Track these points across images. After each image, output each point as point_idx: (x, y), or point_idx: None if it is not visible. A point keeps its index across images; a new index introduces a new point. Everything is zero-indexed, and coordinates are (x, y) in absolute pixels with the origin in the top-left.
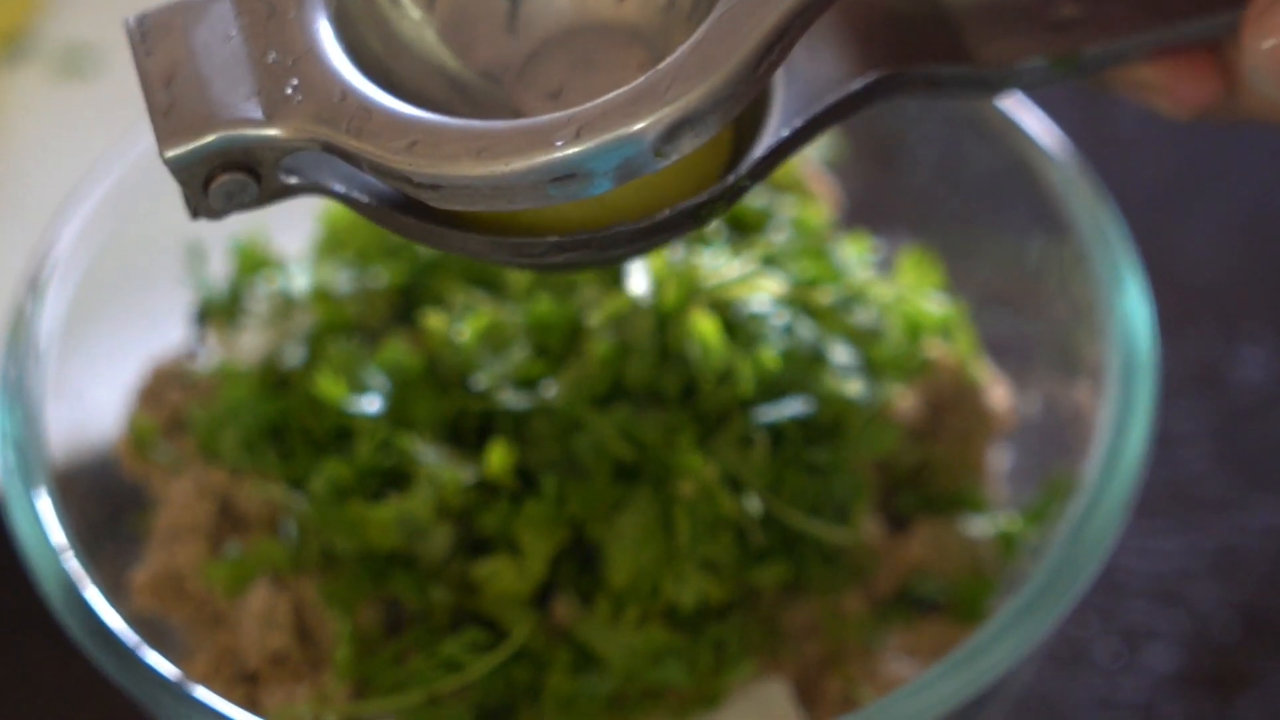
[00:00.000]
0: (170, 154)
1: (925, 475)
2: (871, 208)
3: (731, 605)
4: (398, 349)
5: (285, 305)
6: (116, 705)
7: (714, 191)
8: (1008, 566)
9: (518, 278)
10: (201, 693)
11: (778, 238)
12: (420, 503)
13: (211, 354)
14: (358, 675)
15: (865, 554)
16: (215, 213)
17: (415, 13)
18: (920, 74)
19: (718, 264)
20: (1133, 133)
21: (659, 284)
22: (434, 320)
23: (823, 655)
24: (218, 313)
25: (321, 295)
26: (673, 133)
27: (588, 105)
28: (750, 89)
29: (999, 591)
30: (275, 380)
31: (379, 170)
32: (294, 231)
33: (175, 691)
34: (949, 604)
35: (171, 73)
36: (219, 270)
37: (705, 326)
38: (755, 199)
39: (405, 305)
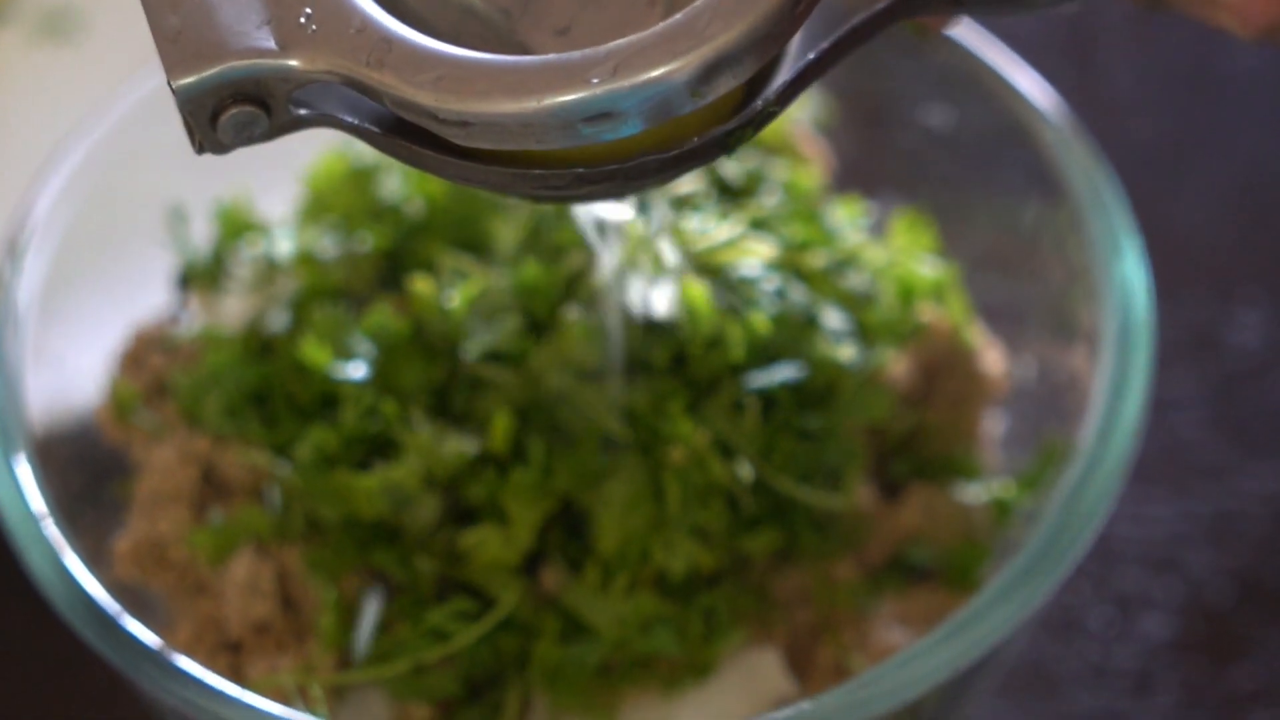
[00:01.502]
0: (180, 82)
1: (918, 441)
2: (863, 170)
3: (722, 573)
4: (384, 314)
5: (269, 269)
6: (98, 673)
7: (743, 117)
8: (1001, 533)
9: (505, 242)
10: (184, 662)
11: (768, 201)
12: (407, 472)
13: (194, 319)
14: (342, 644)
15: (857, 521)
16: (222, 146)
17: None
18: None
19: (707, 228)
20: (1126, 94)
21: (645, 251)
22: (422, 285)
23: (814, 623)
24: (200, 277)
25: (306, 259)
26: (710, 72)
27: (623, 42)
28: (789, 28)
29: (992, 559)
30: (259, 346)
31: (401, 105)
32: (278, 195)
33: (157, 661)
34: (942, 571)
35: None
36: (201, 233)
37: (693, 292)
38: (746, 161)
39: (391, 270)
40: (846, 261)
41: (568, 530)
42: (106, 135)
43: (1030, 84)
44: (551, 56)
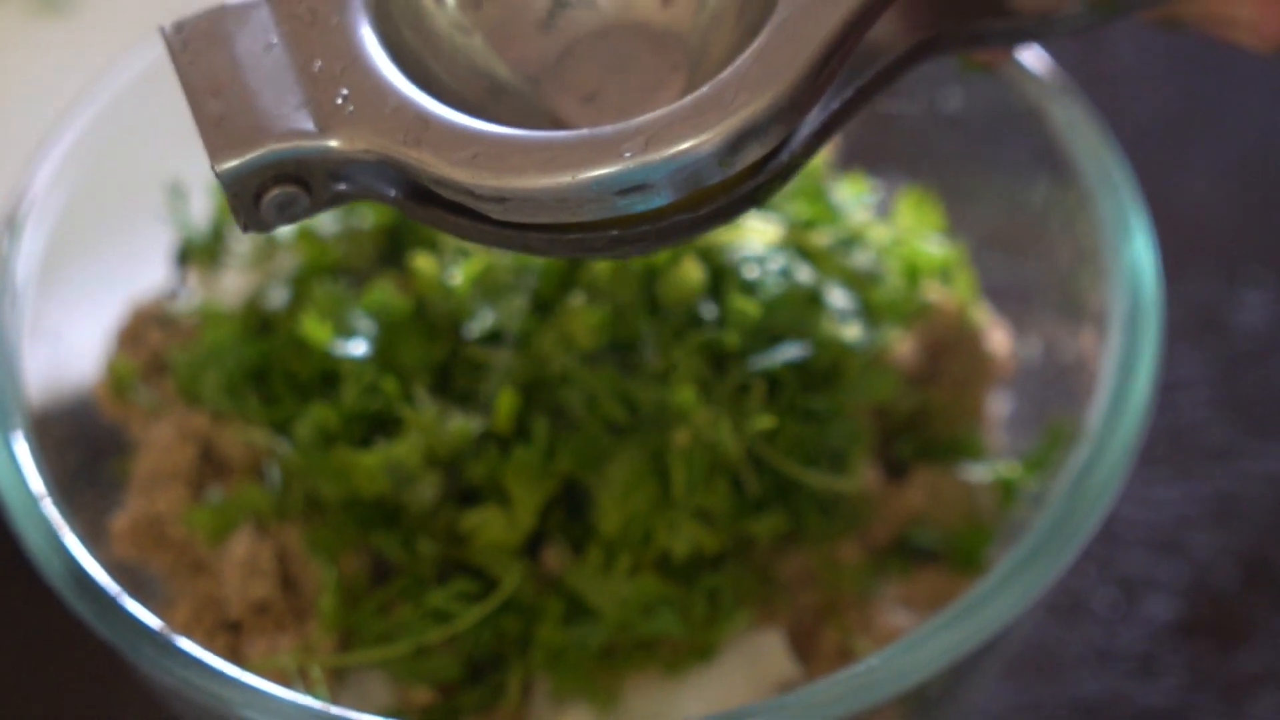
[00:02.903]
0: (224, 167)
1: (923, 421)
2: (868, 148)
3: (725, 555)
4: (385, 291)
5: (269, 245)
6: (97, 651)
7: (770, 171)
8: (1006, 515)
9: None
10: (184, 643)
11: None
12: (409, 449)
13: (193, 295)
14: (343, 625)
15: (862, 502)
16: (266, 225)
17: (455, 9)
18: (962, 31)
19: None
20: (1130, 70)
21: None
22: (424, 262)
23: (818, 606)
24: (199, 253)
25: (306, 235)
26: (738, 143)
27: (653, 115)
28: (813, 96)
29: (998, 541)
30: (258, 322)
31: (438, 182)
32: None
33: (157, 641)
34: (947, 553)
35: (218, 83)
36: (201, 209)
37: (690, 276)
38: None
39: (392, 247)
40: (851, 240)
41: (570, 511)
42: (105, 110)
43: (1038, 62)
44: (584, 131)
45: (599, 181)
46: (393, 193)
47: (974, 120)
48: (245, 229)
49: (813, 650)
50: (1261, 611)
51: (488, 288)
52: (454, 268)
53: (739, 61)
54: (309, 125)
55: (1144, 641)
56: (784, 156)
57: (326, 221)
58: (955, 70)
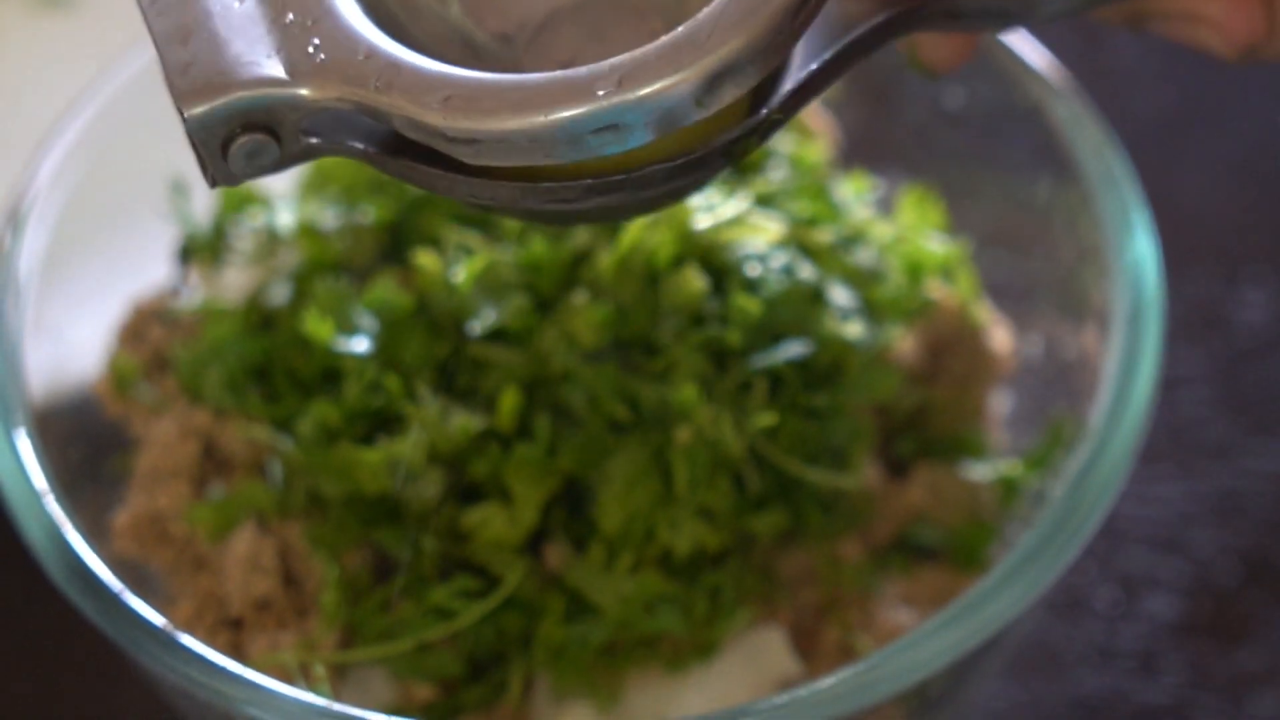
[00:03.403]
0: (191, 112)
1: (925, 419)
2: (870, 146)
3: (727, 552)
4: (387, 288)
5: (270, 242)
6: (98, 648)
7: (747, 125)
8: (1008, 513)
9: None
10: (185, 639)
11: (775, 176)
12: (411, 445)
13: (195, 291)
14: (345, 622)
15: (863, 500)
16: (234, 177)
17: None
18: (941, 6)
19: (713, 204)
20: (1130, 67)
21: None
22: (426, 260)
23: (819, 603)
24: (201, 249)
25: (308, 232)
26: (714, 82)
27: (627, 56)
28: (789, 38)
29: (999, 539)
30: (260, 319)
31: (411, 126)
32: None
33: (158, 638)
34: (948, 551)
35: (187, 31)
36: (203, 206)
37: (692, 284)
38: None
39: (394, 243)
40: (854, 237)
41: (571, 509)
42: (108, 106)
43: (1040, 60)
44: (557, 73)
45: (573, 121)
46: (364, 146)
47: (976, 118)
48: (213, 183)
49: (814, 648)
50: (1262, 609)
51: (490, 285)
52: (456, 265)
53: (714, 3)
54: (280, 73)
55: (1145, 639)
56: (762, 112)
57: (328, 218)
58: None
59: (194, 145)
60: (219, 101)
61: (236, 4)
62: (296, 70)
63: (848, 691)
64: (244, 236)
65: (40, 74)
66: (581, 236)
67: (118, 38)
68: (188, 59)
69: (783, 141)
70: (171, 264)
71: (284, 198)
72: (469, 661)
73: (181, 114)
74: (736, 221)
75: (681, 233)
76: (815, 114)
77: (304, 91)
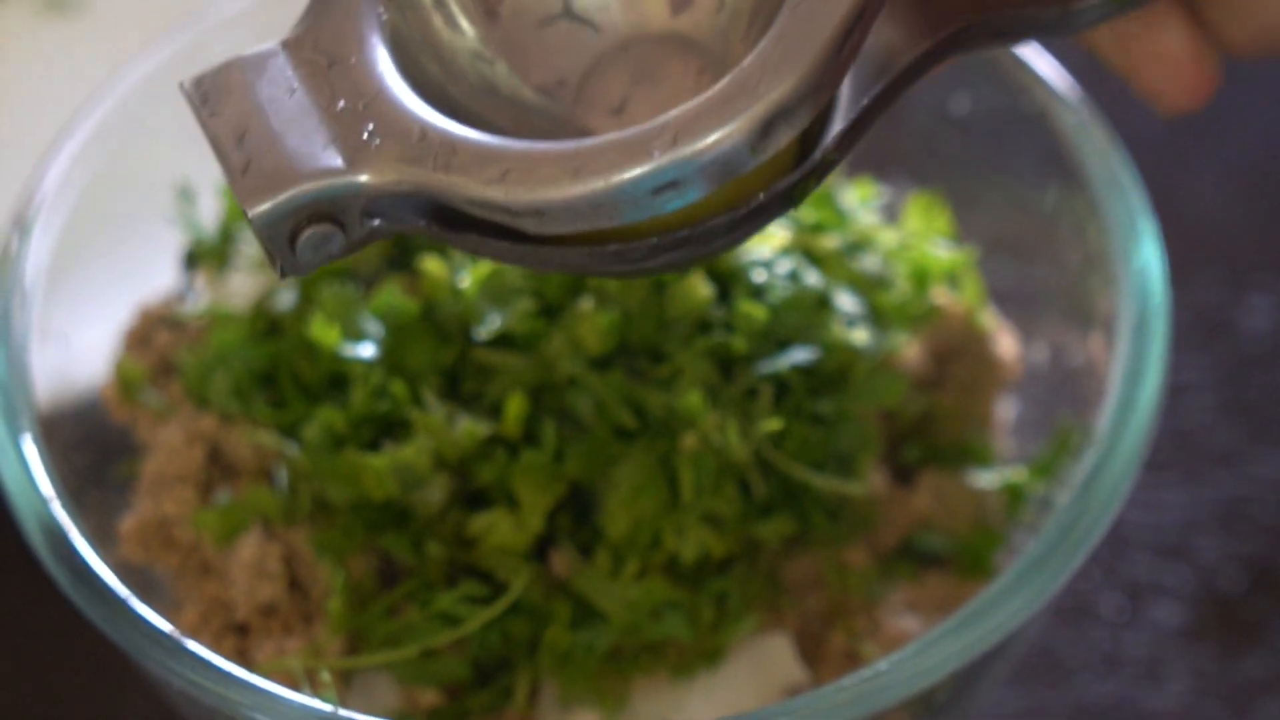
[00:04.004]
0: (256, 211)
1: (930, 426)
2: (875, 153)
3: (733, 558)
4: (393, 294)
5: None
6: (103, 652)
7: (805, 169)
8: (1014, 520)
9: None
10: (191, 645)
11: None
12: (417, 451)
13: (201, 297)
14: (350, 628)
15: (869, 507)
16: (303, 268)
17: (473, 35)
18: (985, 25)
19: None
20: None
21: None
22: (433, 265)
23: (825, 609)
24: (208, 254)
25: None
26: (768, 128)
27: (678, 111)
28: (837, 75)
29: (1005, 546)
30: (266, 324)
31: (473, 203)
32: None
33: (164, 643)
34: (954, 558)
35: (242, 130)
36: (209, 211)
37: (698, 292)
38: None
39: (400, 249)
40: (859, 244)
41: (578, 515)
42: (114, 111)
43: (1047, 66)
44: (611, 135)
45: (632, 183)
46: (427, 223)
47: (982, 125)
48: (282, 274)
49: (820, 654)
50: (1268, 617)
51: (496, 291)
52: (463, 271)
53: (759, 48)
54: (338, 162)
55: (1150, 647)
56: (817, 154)
57: None
58: (963, 74)
59: (261, 241)
60: (281, 198)
61: (287, 97)
62: (354, 158)
63: (853, 698)
64: (250, 242)
65: (47, 78)
66: None
67: (125, 42)
68: (246, 159)
69: None
70: (178, 269)
71: None
72: (475, 667)
73: (246, 214)
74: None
75: None
76: None
77: (364, 178)
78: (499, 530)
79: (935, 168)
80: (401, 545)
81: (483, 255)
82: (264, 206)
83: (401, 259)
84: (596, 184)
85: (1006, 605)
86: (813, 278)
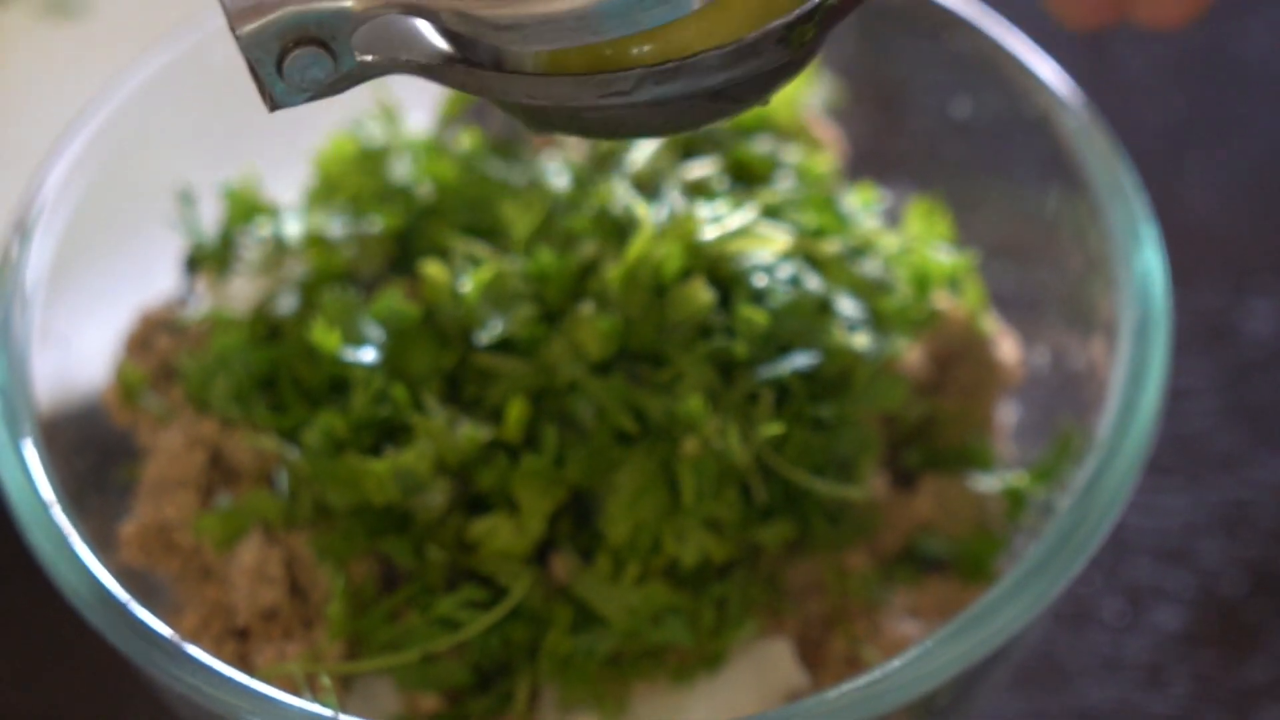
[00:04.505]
0: (244, 30)
1: (932, 430)
2: (877, 156)
3: (734, 563)
4: (394, 298)
5: (277, 251)
6: (103, 656)
7: (803, 9)
8: (1015, 524)
9: (517, 228)
10: (192, 650)
11: (782, 187)
12: (418, 456)
13: (202, 301)
14: (351, 632)
15: (870, 511)
16: (292, 94)
17: None
18: None
19: (720, 215)
20: (1138, 77)
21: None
22: (434, 269)
23: (826, 614)
24: (209, 259)
25: (315, 241)
26: None
27: None
28: None
29: (1006, 550)
30: (267, 329)
31: (460, 19)
32: (287, 176)
33: (165, 648)
34: (955, 562)
35: None
36: (210, 215)
37: (699, 297)
38: (759, 146)
39: (401, 253)
40: (861, 249)
41: (578, 519)
42: (115, 115)
43: (1048, 71)
44: None
45: None
46: (415, 59)
47: (983, 129)
48: (272, 106)
49: (821, 659)
50: (1269, 621)
51: (497, 295)
52: (464, 275)
53: None
54: None
55: (1151, 651)
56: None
57: (335, 228)
58: (964, 78)
59: (250, 67)
60: (270, 18)
61: None
62: None
63: (854, 703)
64: (251, 246)
65: (48, 82)
66: (589, 247)
67: (126, 45)
68: None
69: (790, 152)
70: (179, 273)
71: (291, 207)
72: (475, 672)
73: (235, 33)
74: (743, 233)
75: (688, 244)
76: (822, 125)
77: (349, 3)
78: (499, 535)
79: (936, 172)
80: (402, 550)
81: (472, 90)
82: (252, 25)
83: (403, 263)
84: None
85: (1007, 610)
86: (814, 282)
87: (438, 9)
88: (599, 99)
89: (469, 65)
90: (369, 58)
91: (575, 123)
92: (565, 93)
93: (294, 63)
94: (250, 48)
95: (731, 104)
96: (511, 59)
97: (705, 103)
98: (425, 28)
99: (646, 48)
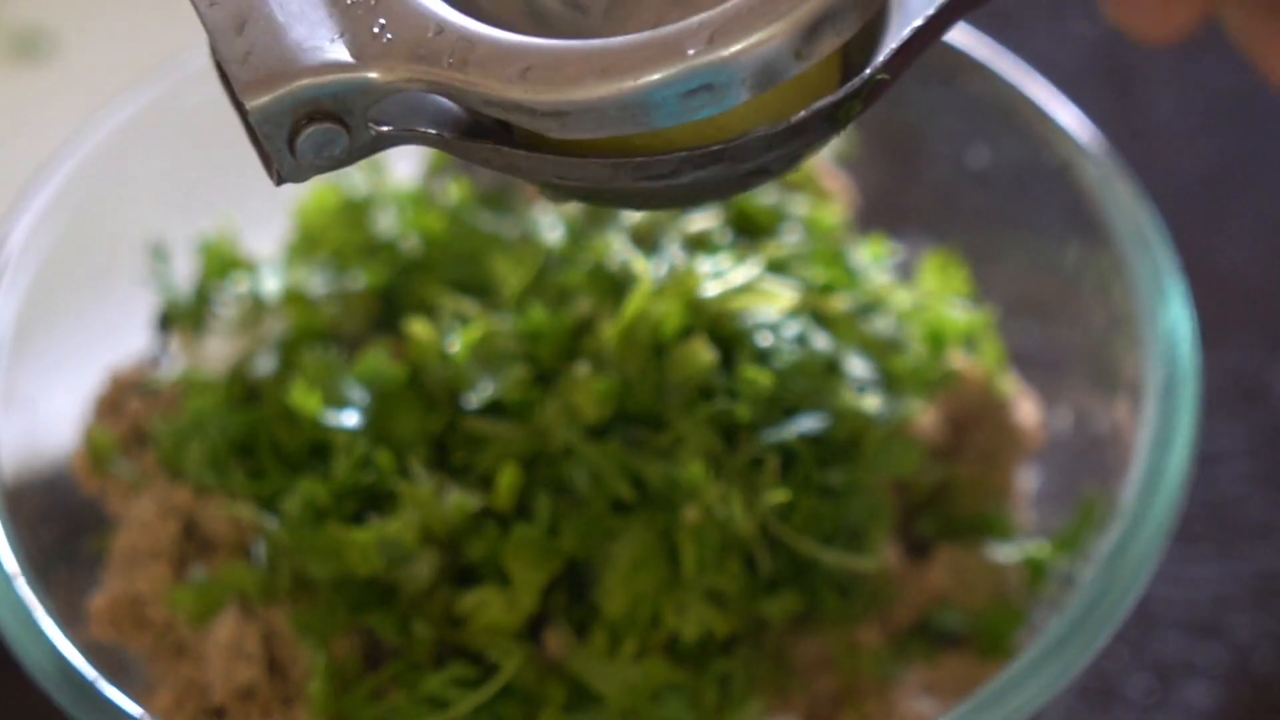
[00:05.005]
0: (254, 104)
1: (947, 497)
2: (889, 207)
3: (737, 637)
4: (379, 359)
5: (255, 309)
6: None
7: (851, 87)
8: (1036, 597)
9: (508, 284)
10: None
11: (788, 240)
12: (404, 526)
13: (175, 362)
14: (333, 712)
15: (882, 583)
16: (301, 171)
17: None
18: None
19: (722, 271)
20: (1166, 123)
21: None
22: (420, 328)
23: (836, 692)
24: (183, 317)
25: (295, 298)
26: (813, 31)
27: (717, 10)
28: None
29: (1027, 624)
30: (244, 391)
31: (491, 103)
32: (265, 230)
33: None
34: (972, 637)
35: (243, 19)
36: (184, 270)
37: (700, 357)
38: (764, 197)
39: (386, 311)
40: (871, 305)
41: (573, 592)
42: (84, 163)
43: (1070, 117)
44: (644, 34)
45: (664, 83)
46: (438, 131)
47: (1002, 178)
48: (278, 180)
49: None
50: None
51: (488, 356)
52: (452, 334)
53: None
54: (346, 57)
55: None
56: (866, 72)
57: (316, 284)
58: (982, 125)
59: (259, 140)
60: (283, 90)
61: None
62: (363, 53)
63: None
64: (227, 303)
65: (14, 128)
66: (584, 304)
67: (96, 90)
68: (246, 48)
69: (796, 204)
70: (151, 332)
71: (270, 262)
72: None
73: (244, 107)
74: (747, 289)
75: (689, 301)
76: (831, 174)
77: (373, 75)
78: (490, 609)
79: (952, 223)
80: (387, 624)
81: (496, 168)
82: (263, 99)
83: (388, 321)
84: (625, 83)
85: (1028, 687)
86: (822, 341)
87: (468, 90)
88: (636, 182)
89: (496, 142)
90: (384, 128)
91: (602, 198)
92: (600, 175)
93: (308, 140)
94: (261, 122)
95: (764, 178)
96: (538, 137)
97: (740, 178)
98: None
99: (682, 134)
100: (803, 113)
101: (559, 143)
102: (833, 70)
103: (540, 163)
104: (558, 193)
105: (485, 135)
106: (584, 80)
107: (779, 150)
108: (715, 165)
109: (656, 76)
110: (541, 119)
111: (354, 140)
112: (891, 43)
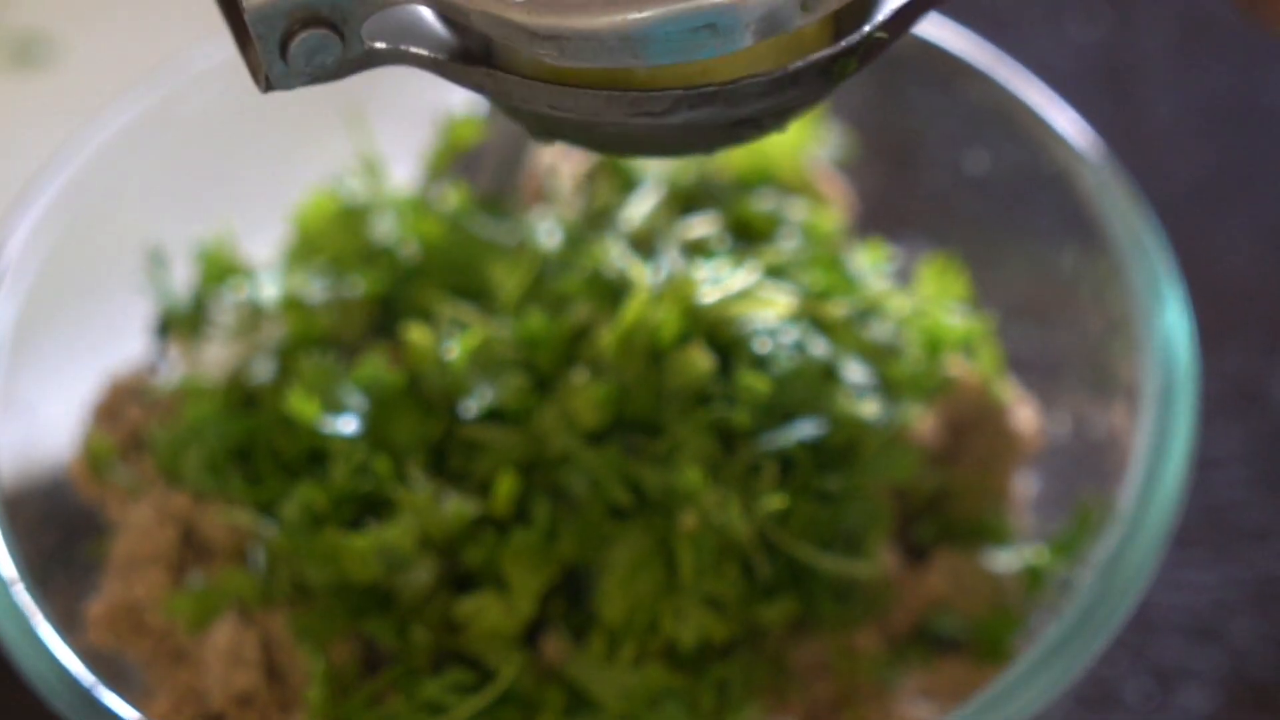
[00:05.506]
0: (251, 2)
1: (945, 503)
2: (887, 213)
3: (735, 643)
4: (377, 365)
5: (253, 315)
6: None
7: (850, 41)
8: (1033, 602)
9: (506, 290)
10: None
11: (786, 246)
12: (402, 532)
13: (173, 368)
14: (331, 717)
15: (880, 588)
16: (291, 78)
17: None
18: None
19: (720, 277)
20: (1164, 128)
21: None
22: (418, 335)
23: (834, 697)
24: (180, 323)
25: (293, 304)
26: None
27: None
28: None
29: (1024, 629)
30: (242, 397)
31: (492, 23)
32: (263, 236)
33: None
34: (970, 642)
35: None
36: (182, 277)
37: (698, 364)
38: (762, 202)
39: (384, 317)
40: (869, 311)
41: (571, 598)
42: (82, 170)
43: (1067, 122)
44: None
45: (669, 18)
46: (431, 53)
47: (1000, 184)
48: (266, 86)
49: None
50: None
51: (485, 362)
52: (450, 340)
53: None
54: None
55: None
56: (864, 29)
57: (315, 290)
58: (980, 131)
59: (250, 45)
60: None
61: None
62: None
63: None
64: (225, 310)
65: (11, 134)
66: (582, 310)
67: (94, 97)
68: None
69: (794, 208)
70: (149, 338)
71: (268, 268)
72: None
73: (241, 4)
74: (745, 295)
75: (687, 308)
76: (829, 178)
77: None
78: (488, 614)
79: (950, 229)
80: (385, 630)
81: (489, 94)
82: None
83: (386, 327)
84: (629, 14)
85: (1026, 691)
86: (819, 347)
87: (469, 9)
88: (627, 116)
89: (490, 66)
90: (378, 45)
91: (588, 136)
92: (593, 106)
93: (301, 45)
94: (256, 21)
95: (754, 130)
96: (530, 65)
97: (729, 127)
98: (441, 21)
99: (679, 73)
100: (799, 61)
101: (551, 72)
102: (826, 39)
103: (534, 90)
104: (544, 127)
105: (479, 61)
106: (588, 7)
107: (772, 100)
108: (709, 107)
109: (663, 10)
110: (540, 43)
111: (346, 51)
112: (893, 3)
